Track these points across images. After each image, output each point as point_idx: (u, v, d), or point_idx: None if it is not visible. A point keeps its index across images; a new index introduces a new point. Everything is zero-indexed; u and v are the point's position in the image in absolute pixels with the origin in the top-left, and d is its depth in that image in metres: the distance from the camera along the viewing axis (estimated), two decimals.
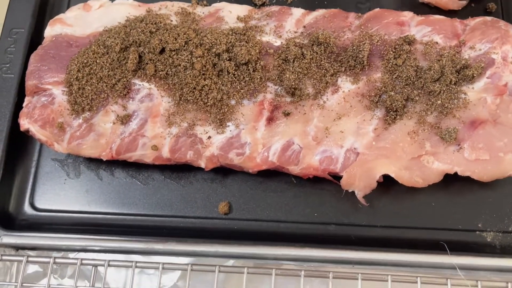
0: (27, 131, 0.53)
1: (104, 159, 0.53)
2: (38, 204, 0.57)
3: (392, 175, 0.50)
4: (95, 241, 0.51)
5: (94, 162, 0.57)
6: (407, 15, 0.57)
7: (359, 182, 0.51)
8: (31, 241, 0.52)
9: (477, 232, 0.53)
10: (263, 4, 0.64)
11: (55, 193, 0.57)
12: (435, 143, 0.51)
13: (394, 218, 0.54)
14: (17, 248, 0.53)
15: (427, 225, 0.53)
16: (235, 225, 0.55)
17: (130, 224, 0.55)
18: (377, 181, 0.50)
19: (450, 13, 0.61)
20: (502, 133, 0.50)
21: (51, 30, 0.56)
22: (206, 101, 0.52)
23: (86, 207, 0.56)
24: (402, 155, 0.51)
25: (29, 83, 0.53)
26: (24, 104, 0.54)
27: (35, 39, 0.61)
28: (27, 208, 0.57)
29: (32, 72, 0.54)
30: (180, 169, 0.56)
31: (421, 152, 0.51)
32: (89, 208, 0.56)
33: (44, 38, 0.57)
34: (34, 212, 0.56)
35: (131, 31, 0.54)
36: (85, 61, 0.53)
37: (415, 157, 0.51)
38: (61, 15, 0.58)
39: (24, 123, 0.53)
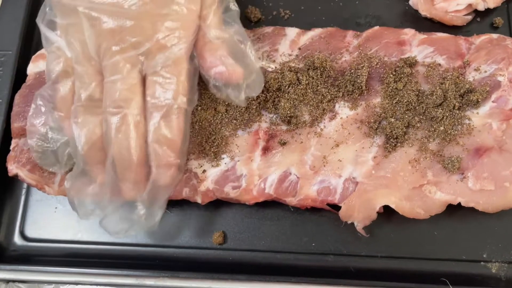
0: (16, 176, 0.51)
1: None
2: (29, 234, 0.55)
3: (393, 206, 0.48)
4: (86, 276, 0.50)
5: None
6: (408, 33, 0.54)
7: (358, 213, 0.49)
8: (22, 276, 0.51)
9: (482, 263, 0.51)
10: (258, 21, 0.61)
11: (46, 221, 0.56)
12: (438, 172, 0.48)
13: (395, 248, 0.52)
14: (7, 281, 0.52)
15: (429, 256, 0.51)
16: (230, 255, 0.53)
17: (121, 255, 0.54)
18: (377, 212, 0.48)
19: (454, 28, 0.58)
20: (508, 161, 0.48)
21: (34, 67, 0.54)
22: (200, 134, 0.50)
23: (77, 237, 0.55)
24: (403, 185, 0.49)
25: (15, 125, 0.52)
26: (11, 147, 0.52)
27: (23, 62, 0.59)
28: (17, 238, 0.55)
29: (17, 113, 0.52)
30: None
31: (423, 181, 0.48)
32: (80, 238, 0.55)
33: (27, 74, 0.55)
34: (25, 242, 0.55)
35: None
36: None
37: (417, 187, 0.48)
38: (43, 50, 0.56)
39: (12, 168, 0.51)
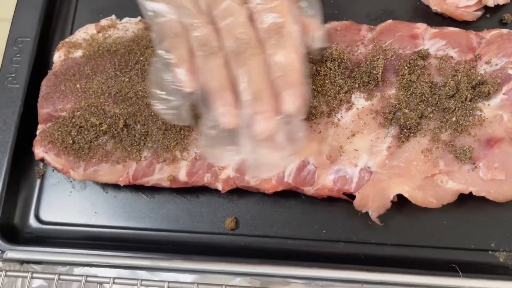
0: (42, 159, 0.52)
1: (122, 185, 0.52)
2: (43, 217, 0.56)
3: (406, 195, 0.49)
4: (101, 257, 0.51)
5: None
6: (421, 27, 0.55)
7: (372, 203, 0.49)
8: (36, 256, 0.52)
9: (490, 252, 0.52)
10: None
11: (61, 205, 0.57)
12: (449, 161, 0.49)
13: (404, 236, 0.53)
14: (22, 262, 0.53)
15: (438, 244, 0.52)
16: (242, 241, 0.54)
17: (135, 239, 0.54)
18: (391, 201, 0.49)
19: (464, 24, 0.59)
20: None
21: (60, 54, 0.55)
22: None
23: (91, 220, 0.56)
24: (416, 174, 0.49)
25: (42, 111, 0.53)
26: (37, 132, 0.53)
27: (41, 48, 0.60)
28: (32, 221, 0.56)
29: (45, 99, 0.53)
30: None
31: (435, 171, 0.49)
32: (95, 222, 0.56)
33: (53, 56, 0.57)
34: (39, 225, 0.56)
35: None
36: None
37: (429, 176, 0.49)
38: (69, 38, 0.57)
39: (39, 152, 0.52)
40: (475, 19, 0.59)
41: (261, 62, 0.41)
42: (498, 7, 0.60)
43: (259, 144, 0.42)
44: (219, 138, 0.43)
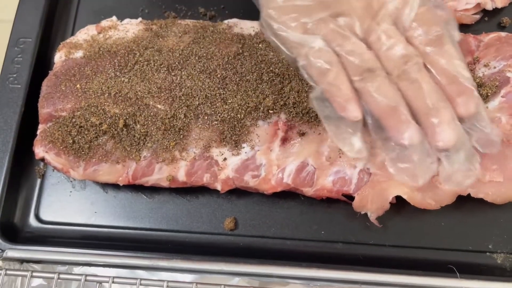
0: (42, 159, 0.53)
1: (121, 184, 0.52)
2: (43, 216, 0.57)
3: (405, 196, 0.49)
4: (100, 257, 0.51)
5: None
6: None
7: (371, 204, 0.50)
8: (36, 255, 0.52)
9: (487, 254, 0.52)
10: None
11: (61, 205, 0.57)
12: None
13: (403, 237, 0.53)
14: (22, 261, 0.53)
15: (436, 245, 0.52)
16: (241, 241, 0.54)
17: (134, 238, 0.55)
18: (389, 202, 0.50)
19: (462, 27, 0.60)
20: None
21: (61, 55, 0.56)
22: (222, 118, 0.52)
23: (91, 220, 0.56)
24: None
25: (43, 111, 0.53)
26: (38, 132, 0.54)
27: (43, 49, 0.61)
28: (32, 220, 0.56)
29: (45, 99, 0.54)
30: None
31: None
32: (94, 221, 0.56)
33: (54, 54, 0.57)
34: (39, 224, 0.56)
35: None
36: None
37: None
38: (70, 38, 0.58)
39: (39, 152, 0.52)
40: (473, 22, 0.60)
41: (427, 75, 0.41)
42: (496, 11, 0.60)
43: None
44: (404, 156, 0.41)
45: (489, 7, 0.59)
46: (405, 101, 0.41)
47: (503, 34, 0.55)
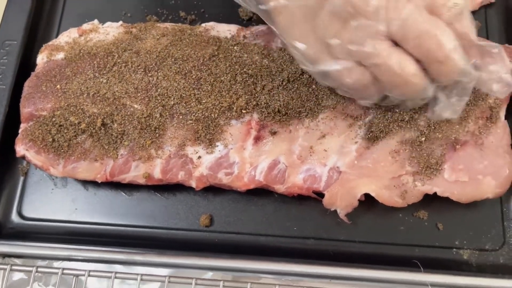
0: (23, 157, 0.54)
1: (99, 181, 0.54)
2: (26, 213, 0.58)
3: (373, 194, 0.51)
4: (78, 251, 0.53)
5: None
6: None
7: (340, 201, 0.51)
8: (17, 249, 0.54)
9: (454, 250, 0.53)
10: (250, 19, 0.65)
11: (43, 202, 0.58)
12: (415, 163, 0.51)
13: (372, 234, 0.55)
14: (4, 256, 0.55)
15: (404, 242, 0.54)
16: (216, 237, 0.56)
17: (114, 234, 0.56)
18: (358, 200, 0.51)
19: None
20: (482, 155, 0.51)
21: (43, 56, 0.58)
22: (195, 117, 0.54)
23: (71, 217, 0.58)
24: (383, 175, 0.51)
25: (24, 110, 0.55)
26: (20, 131, 0.56)
27: (28, 51, 0.63)
28: (15, 217, 0.58)
29: (26, 99, 0.55)
30: None
31: (402, 171, 0.51)
32: (75, 218, 0.57)
33: (36, 57, 0.59)
34: (21, 221, 0.58)
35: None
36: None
37: (396, 177, 0.51)
38: (53, 41, 0.60)
39: (20, 150, 0.54)
40: None
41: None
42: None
43: None
44: None
45: None
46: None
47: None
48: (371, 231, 0.55)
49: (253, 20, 0.65)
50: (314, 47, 0.45)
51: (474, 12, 0.62)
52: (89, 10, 0.66)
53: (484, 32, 0.62)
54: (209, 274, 0.53)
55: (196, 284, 0.49)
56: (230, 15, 0.65)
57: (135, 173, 0.53)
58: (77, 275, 0.51)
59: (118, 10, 0.66)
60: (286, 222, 0.56)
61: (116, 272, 0.50)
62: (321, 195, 0.53)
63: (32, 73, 0.58)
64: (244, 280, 0.51)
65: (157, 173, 0.53)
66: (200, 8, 0.66)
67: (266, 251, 0.54)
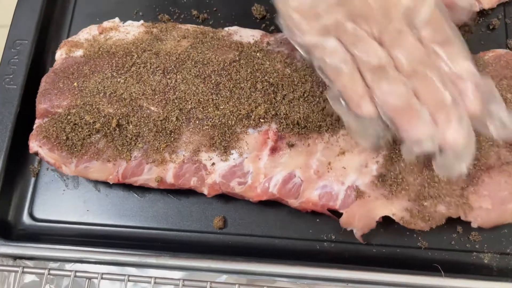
0: (36, 153, 0.54)
1: (111, 183, 0.53)
2: (37, 214, 0.58)
3: (393, 217, 0.49)
4: (90, 253, 0.52)
5: None
6: None
7: (358, 222, 0.50)
8: (29, 251, 0.53)
9: (474, 253, 0.52)
10: (263, 18, 0.63)
11: (54, 203, 0.58)
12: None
13: (390, 237, 0.53)
14: (15, 258, 0.54)
15: (422, 245, 0.53)
16: (230, 240, 0.55)
17: (125, 236, 0.56)
18: (376, 221, 0.50)
19: None
20: (507, 182, 0.49)
21: (62, 52, 0.57)
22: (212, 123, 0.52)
23: (83, 218, 0.57)
24: (404, 197, 0.50)
25: (40, 106, 0.54)
26: (34, 127, 0.55)
27: (38, 51, 0.62)
28: (26, 218, 0.58)
29: (43, 95, 0.55)
30: None
31: (424, 194, 0.49)
32: (87, 219, 0.57)
33: (52, 56, 0.59)
34: (33, 222, 0.57)
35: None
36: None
37: (418, 200, 0.49)
38: (72, 37, 0.59)
39: (34, 146, 0.53)
40: (460, 24, 0.60)
41: (438, 73, 0.43)
42: (484, 12, 0.61)
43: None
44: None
45: (476, 9, 0.59)
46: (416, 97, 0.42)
47: (502, 51, 0.54)
48: (388, 235, 0.53)
49: (266, 18, 0.64)
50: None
51: (493, 9, 0.61)
52: (100, 9, 0.66)
53: (503, 29, 0.61)
54: (223, 277, 0.52)
55: (210, 287, 0.48)
56: (243, 13, 0.64)
57: (148, 176, 0.52)
58: (89, 278, 0.50)
59: (130, 9, 0.66)
60: (301, 224, 0.55)
61: (129, 275, 0.49)
62: (335, 212, 0.51)
63: (50, 68, 0.57)
64: (259, 284, 0.50)
65: (169, 178, 0.52)
66: (213, 6, 0.65)
67: (281, 254, 0.53)
